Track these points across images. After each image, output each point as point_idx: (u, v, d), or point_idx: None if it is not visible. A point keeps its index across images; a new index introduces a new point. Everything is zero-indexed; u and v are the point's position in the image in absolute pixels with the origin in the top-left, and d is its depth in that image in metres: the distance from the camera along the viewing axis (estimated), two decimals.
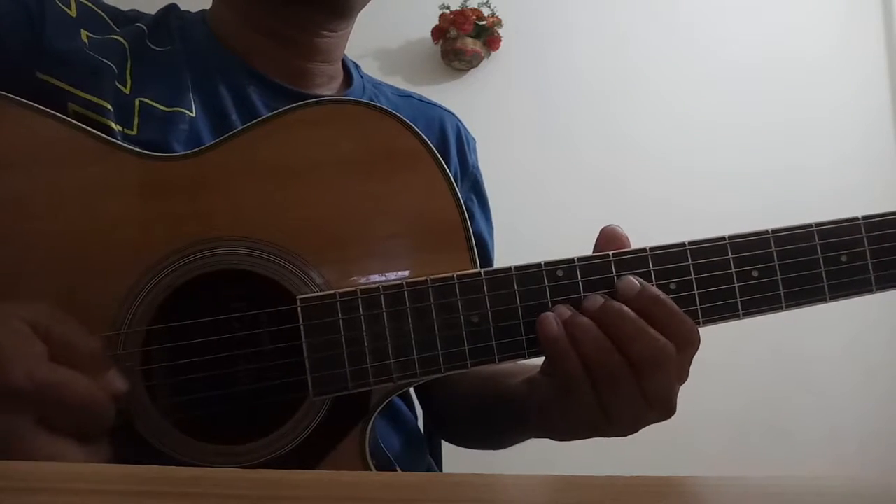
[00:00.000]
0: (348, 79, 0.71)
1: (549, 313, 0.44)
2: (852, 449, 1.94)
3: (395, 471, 0.56)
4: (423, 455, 0.68)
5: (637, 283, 0.44)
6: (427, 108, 0.75)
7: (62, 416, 0.38)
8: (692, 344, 0.44)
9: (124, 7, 0.64)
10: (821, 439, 1.94)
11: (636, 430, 0.46)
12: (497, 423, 0.61)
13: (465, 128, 0.77)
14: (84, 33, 0.57)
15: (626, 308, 0.43)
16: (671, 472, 0.28)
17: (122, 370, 0.42)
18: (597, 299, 0.44)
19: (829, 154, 2.08)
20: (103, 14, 0.61)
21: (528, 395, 0.52)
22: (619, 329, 0.43)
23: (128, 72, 0.57)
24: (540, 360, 0.49)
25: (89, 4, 0.60)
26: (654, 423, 0.46)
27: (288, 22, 0.63)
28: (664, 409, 0.45)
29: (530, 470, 0.28)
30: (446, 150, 0.72)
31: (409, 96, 0.76)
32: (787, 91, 2.12)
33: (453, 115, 0.76)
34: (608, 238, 0.47)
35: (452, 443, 0.74)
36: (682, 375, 0.45)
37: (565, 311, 0.44)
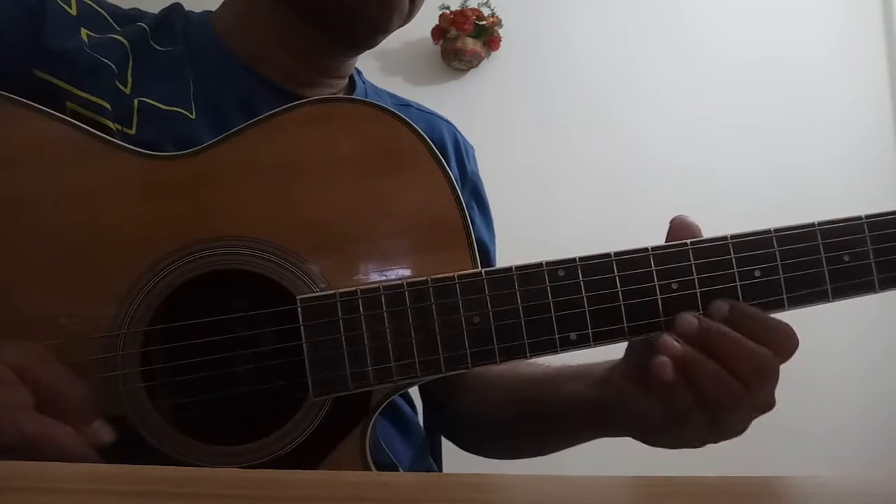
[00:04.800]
0: (351, 84, 0.72)
1: (663, 358, 0.44)
2: (853, 448, 1.94)
3: (396, 471, 0.56)
4: (423, 455, 0.68)
5: (725, 304, 0.44)
6: (425, 117, 0.76)
7: None
8: (790, 350, 0.45)
9: (126, 6, 0.64)
10: (822, 438, 1.94)
11: (741, 434, 0.47)
12: (556, 429, 0.60)
13: (462, 136, 0.78)
14: (84, 32, 0.56)
15: (724, 327, 0.44)
16: (671, 471, 0.28)
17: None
18: (691, 321, 0.44)
19: (829, 154, 2.08)
20: (104, 13, 0.60)
21: (611, 402, 0.51)
22: (724, 349, 0.44)
23: (129, 71, 0.57)
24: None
25: (90, 3, 0.60)
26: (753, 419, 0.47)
27: (317, 47, 0.64)
28: (766, 408, 0.47)
29: (530, 470, 0.28)
30: (445, 158, 0.72)
31: (407, 105, 0.76)
32: (788, 91, 2.12)
33: (451, 125, 0.77)
34: (679, 227, 0.47)
35: (480, 453, 0.71)
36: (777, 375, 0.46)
37: (673, 344, 0.44)
